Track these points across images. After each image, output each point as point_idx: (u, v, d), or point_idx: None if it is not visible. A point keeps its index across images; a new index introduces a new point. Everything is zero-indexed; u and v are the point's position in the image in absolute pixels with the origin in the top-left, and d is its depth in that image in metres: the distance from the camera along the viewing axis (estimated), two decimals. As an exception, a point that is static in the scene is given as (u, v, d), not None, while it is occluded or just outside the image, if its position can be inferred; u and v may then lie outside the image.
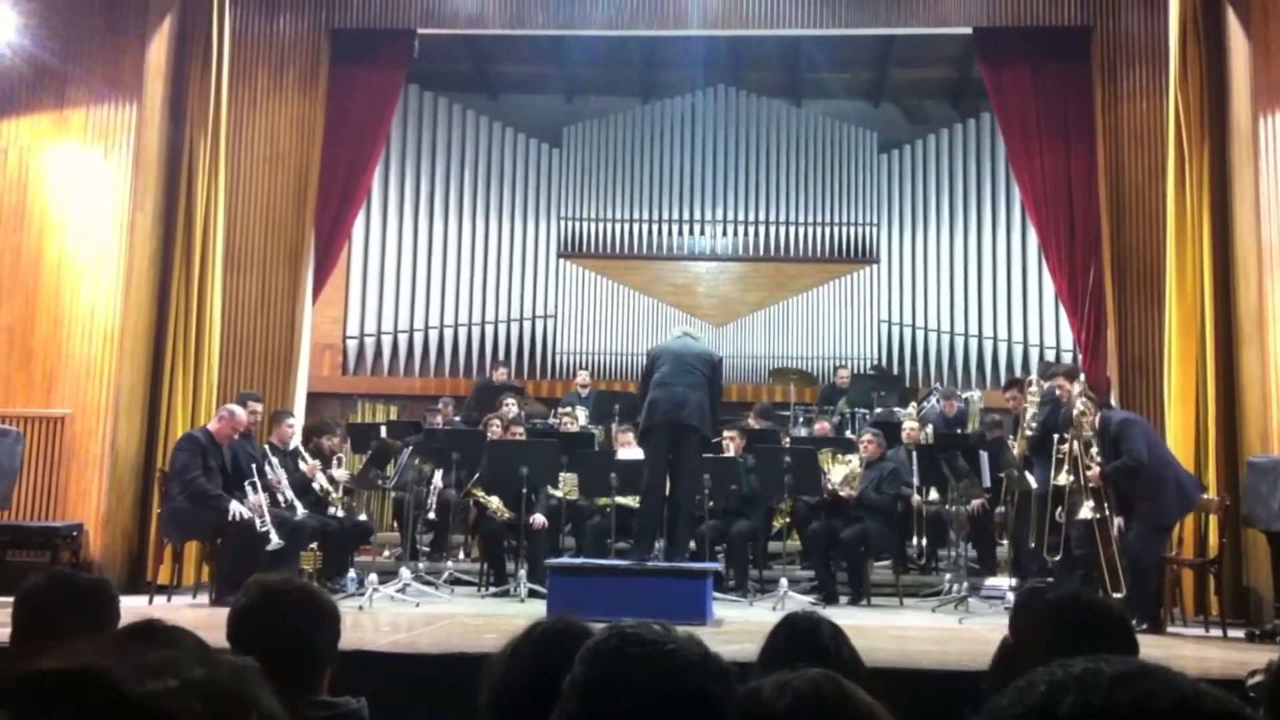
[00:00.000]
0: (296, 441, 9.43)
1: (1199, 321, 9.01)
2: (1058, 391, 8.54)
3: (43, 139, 9.61)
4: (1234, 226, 8.98)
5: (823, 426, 11.28)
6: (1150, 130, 10.10)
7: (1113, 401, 10.07)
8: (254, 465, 8.59)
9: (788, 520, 9.64)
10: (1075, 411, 8.21)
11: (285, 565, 8.09)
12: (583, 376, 13.09)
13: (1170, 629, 7.80)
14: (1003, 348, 14.56)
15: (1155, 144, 9.98)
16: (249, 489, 8.39)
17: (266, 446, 9.03)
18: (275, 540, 8.17)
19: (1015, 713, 1.03)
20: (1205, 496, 8.36)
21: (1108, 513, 7.86)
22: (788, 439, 10.87)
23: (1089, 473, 7.90)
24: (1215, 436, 8.80)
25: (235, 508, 8.24)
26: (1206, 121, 9.15)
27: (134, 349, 9.44)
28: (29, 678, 0.95)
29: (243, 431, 8.86)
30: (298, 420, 9.93)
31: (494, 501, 9.50)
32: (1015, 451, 8.86)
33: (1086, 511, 8.13)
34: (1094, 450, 8.00)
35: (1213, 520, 8.27)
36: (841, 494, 9.36)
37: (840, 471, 9.54)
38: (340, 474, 9.29)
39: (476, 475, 9.54)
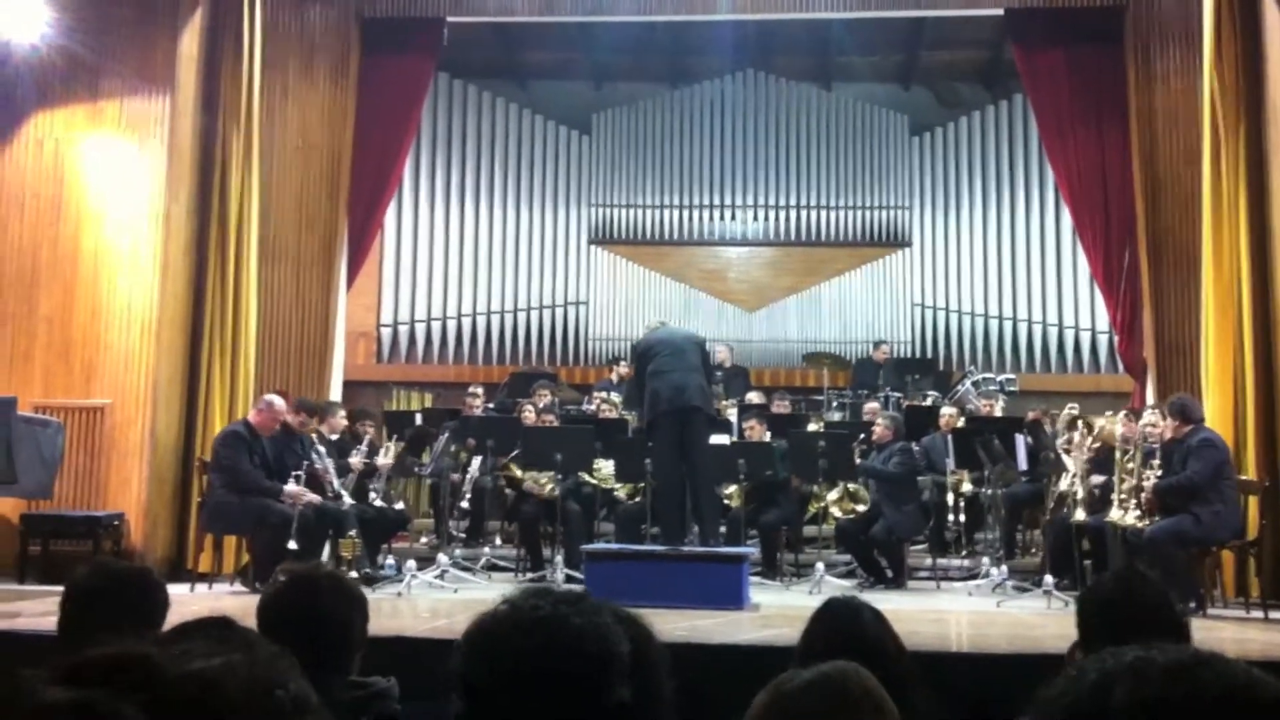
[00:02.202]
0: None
1: (1236, 302, 8.92)
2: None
3: (77, 131, 9.68)
4: (1270, 206, 8.88)
5: (872, 408, 11.12)
6: (1185, 111, 9.99)
7: (1149, 384, 10.03)
8: (304, 460, 8.65)
9: (823, 505, 9.62)
10: (1141, 423, 8.33)
11: (309, 558, 8.14)
12: (623, 367, 13.05)
13: (1210, 611, 7.75)
14: (1037, 330, 14.47)
15: (1190, 125, 9.87)
16: (292, 482, 8.39)
17: (314, 435, 9.05)
18: (293, 545, 8.10)
19: (1065, 702, 1.03)
20: (1244, 478, 8.30)
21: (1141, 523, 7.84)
22: (822, 423, 10.83)
23: (1146, 482, 7.86)
24: (1254, 418, 8.72)
25: (294, 491, 8.29)
26: (1242, 101, 9.05)
27: (171, 339, 9.51)
28: (81, 664, 1.00)
29: (289, 431, 8.92)
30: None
31: (529, 477, 9.50)
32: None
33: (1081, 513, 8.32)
34: (1155, 462, 7.96)
35: (1253, 502, 8.20)
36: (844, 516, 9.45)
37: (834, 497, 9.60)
38: (385, 462, 9.33)
39: (514, 453, 9.55)
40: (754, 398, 11.84)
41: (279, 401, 8.81)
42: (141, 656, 1.00)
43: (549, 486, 9.42)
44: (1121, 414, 9.14)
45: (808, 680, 1.82)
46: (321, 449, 8.83)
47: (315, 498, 8.37)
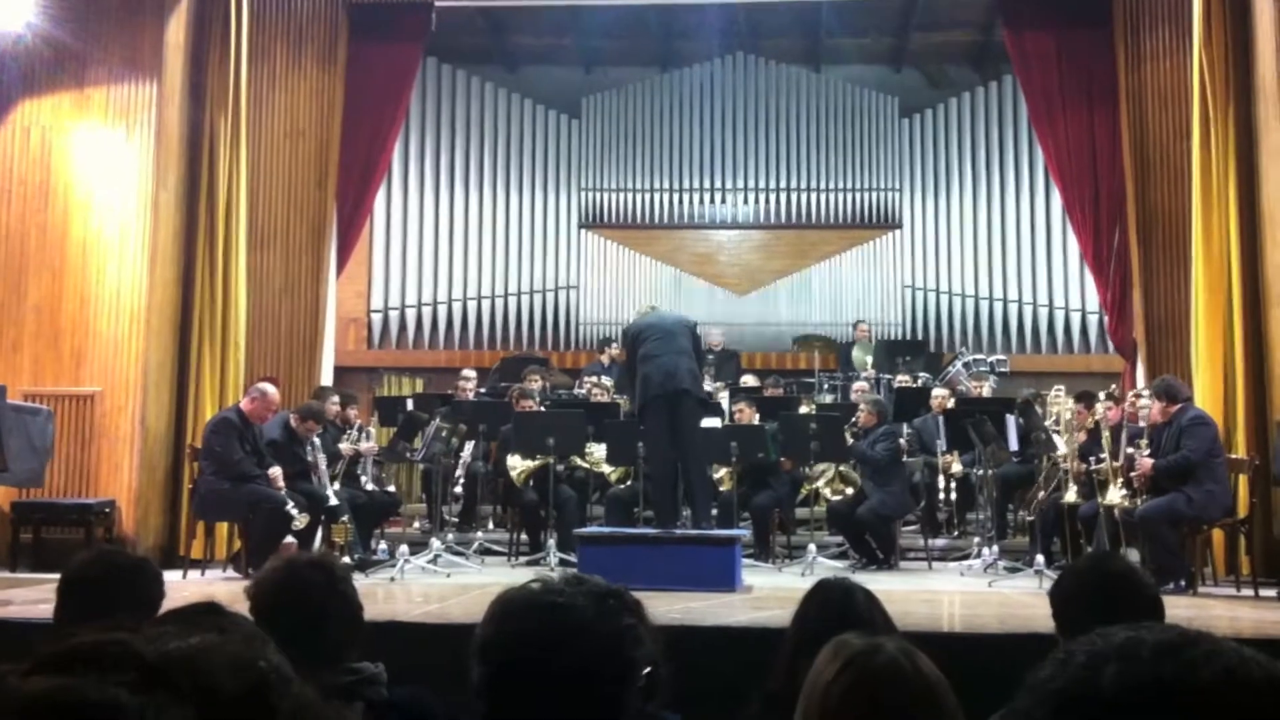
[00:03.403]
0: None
1: (1226, 281, 8.93)
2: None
3: (64, 119, 9.62)
4: (1260, 185, 8.88)
5: (860, 387, 11.16)
6: (1174, 90, 9.98)
7: (1140, 363, 10.05)
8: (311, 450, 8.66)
9: (815, 487, 9.64)
10: (1127, 402, 8.42)
11: (307, 543, 8.17)
12: (613, 349, 13.02)
13: (1201, 589, 7.77)
14: (1028, 311, 14.51)
15: (1180, 104, 9.87)
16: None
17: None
18: (298, 520, 8.12)
19: (1056, 686, 1.02)
20: (1234, 456, 8.32)
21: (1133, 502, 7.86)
22: (813, 406, 10.84)
23: (1143, 459, 7.86)
24: (1243, 397, 8.74)
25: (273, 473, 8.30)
26: (1231, 80, 9.05)
27: (160, 326, 9.48)
28: (61, 652, 1.01)
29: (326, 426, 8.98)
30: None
31: (519, 464, 9.48)
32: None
33: (1072, 495, 8.39)
34: (1143, 442, 7.98)
35: (1242, 480, 8.22)
36: (835, 497, 9.49)
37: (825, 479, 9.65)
38: (368, 446, 9.32)
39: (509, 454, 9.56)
40: (750, 381, 11.86)
41: (272, 390, 8.77)
42: (118, 641, 1.02)
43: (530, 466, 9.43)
44: (1076, 401, 9.23)
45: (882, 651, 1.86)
46: (317, 441, 8.81)
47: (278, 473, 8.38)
